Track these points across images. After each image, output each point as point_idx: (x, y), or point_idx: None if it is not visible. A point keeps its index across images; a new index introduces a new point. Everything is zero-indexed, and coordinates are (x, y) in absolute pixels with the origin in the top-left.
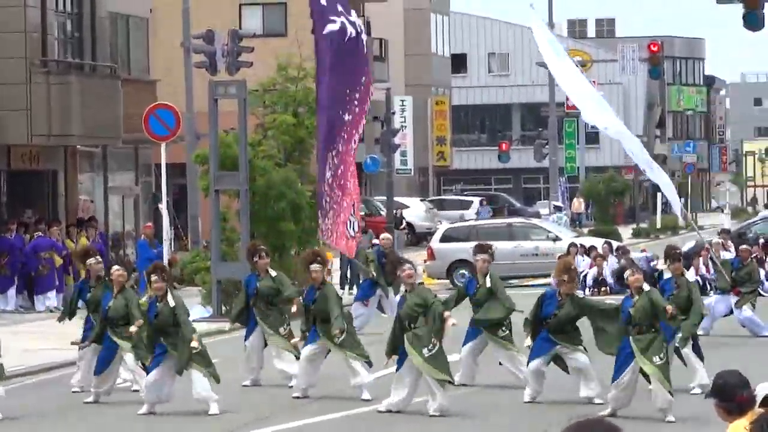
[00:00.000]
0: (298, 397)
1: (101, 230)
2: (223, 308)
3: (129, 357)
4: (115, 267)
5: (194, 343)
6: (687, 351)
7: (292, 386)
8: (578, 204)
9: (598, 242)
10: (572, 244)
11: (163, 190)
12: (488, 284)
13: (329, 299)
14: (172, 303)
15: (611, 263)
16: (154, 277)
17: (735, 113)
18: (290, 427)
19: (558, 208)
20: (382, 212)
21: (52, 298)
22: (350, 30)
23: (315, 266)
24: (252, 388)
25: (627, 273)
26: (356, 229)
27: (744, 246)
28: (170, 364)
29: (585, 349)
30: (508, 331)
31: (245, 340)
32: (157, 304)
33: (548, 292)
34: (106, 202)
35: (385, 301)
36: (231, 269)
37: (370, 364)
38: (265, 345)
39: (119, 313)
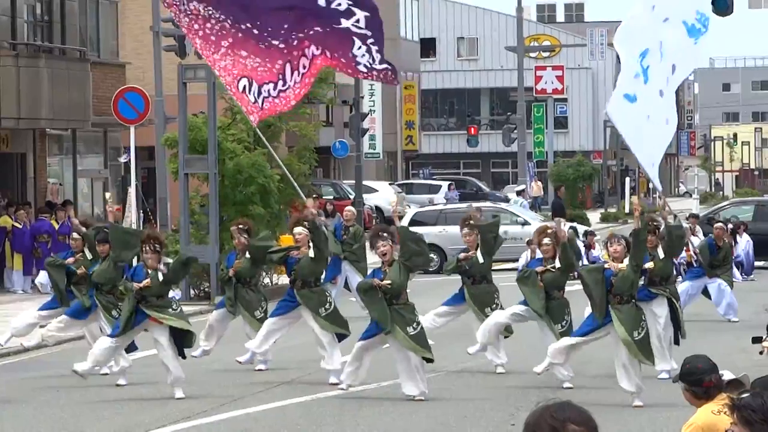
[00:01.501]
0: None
1: (71, 213)
2: (192, 291)
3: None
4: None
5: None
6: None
7: (259, 369)
8: (537, 188)
9: (567, 227)
10: None
11: (132, 173)
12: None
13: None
14: (161, 277)
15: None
16: (145, 247)
17: (703, 98)
18: (258, 410)
19: (519, 193)
20: (351, 196)
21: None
22: None
23: (299, 229)
24: (214, 372)
25: (608, 243)
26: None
27: (718, 224)
28: (132, 336)
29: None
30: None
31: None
32: (148, 270)
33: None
34: (75, 186)
35: (351, 277)
36: (200, 253)
37: (342, 337)
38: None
39: (103, 277)
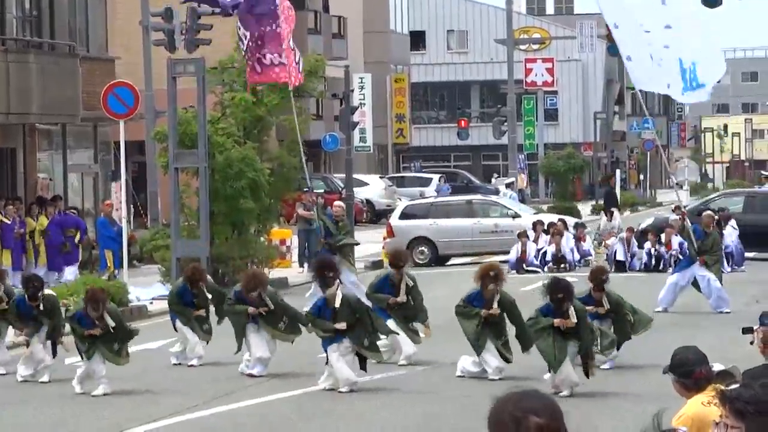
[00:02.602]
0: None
1: (61, 208)
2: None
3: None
4: None
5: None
6: None
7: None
8: (521, 180)
9: (556, 219)
10: (539, 222)
11: (122, 168)
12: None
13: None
14: (111, 324)
15: (568, 239)
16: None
17: None
18: (247, 404)
19: (508, 185)
20: (341, 189)
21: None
22: None
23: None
24: (204, 367)
25: None
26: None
27: (706, 212)
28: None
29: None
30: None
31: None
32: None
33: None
34: (65, 180)
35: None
36: (190, 247)
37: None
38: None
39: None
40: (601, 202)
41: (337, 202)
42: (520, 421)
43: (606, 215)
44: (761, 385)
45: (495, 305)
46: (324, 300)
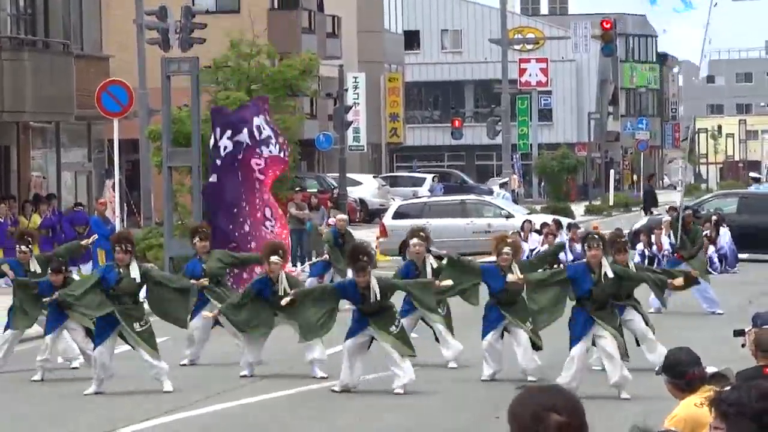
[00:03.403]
0: (245, 376)
1: (54, 207)
2: None
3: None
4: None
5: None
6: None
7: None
8: (513, 181)
9: (550, 219)
10: (527, 221)
11: (116, 166)
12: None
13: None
14: (135, 275)
15: (561, 240)
16: (117, 247)
17: (688, 90)
18: (241, 403)
19: (502, 185)
20: (334, 189)
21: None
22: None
23: (275, 258)
24: (199, 366)
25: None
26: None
27: (687, 211)
28: (114, 340)
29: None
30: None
31: (190, 319)
32: (119, 270)
33: (490, 267)
34: (59, 179)
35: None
36: (183, 246)
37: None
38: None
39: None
40: (596, 202)
41: (339, 216)
42: (541, 418)
43: (646, 214)
44: (746, 388)
45: (516, 273)
46: (354, 282)
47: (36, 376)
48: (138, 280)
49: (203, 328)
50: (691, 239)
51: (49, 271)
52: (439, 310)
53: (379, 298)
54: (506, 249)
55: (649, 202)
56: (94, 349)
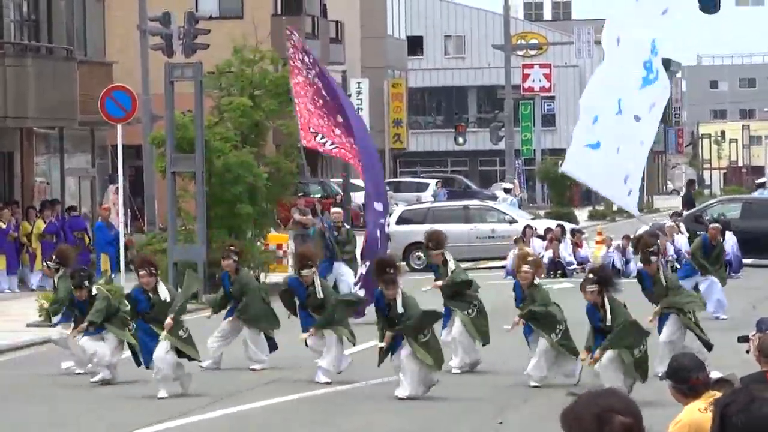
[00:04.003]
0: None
1: (58, 212)
2: (178, 290)
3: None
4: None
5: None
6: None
7: (254, 369)
8: (515, 186)
9: (554, 225)
10: (527, 226)
11: (119, 172)
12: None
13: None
14: (165, 296)
15: (566, 245)
16: (141, 272)
17: (691, 96)
18: (252, 407)
19: (507, 191)
20: (338, 194)
21: None
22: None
23: (306, 271)
24: (206, 371)
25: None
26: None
27: (714, 224)
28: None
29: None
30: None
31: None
32: (149, 295)
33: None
34: (63, 184)
35: (341, 281)
36: (187, 251)
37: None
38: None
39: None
40: (599, 207)
41: (335, 208)
42: (605, 420)
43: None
44: (746, 392)
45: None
46: (381, 293)
47: (96, 378)
48: (168, 300)
49: (229, 333)
50: (715, 255)
51: (72, 288)
52: (468, 311)
53: (402, 310)
54: (525, 267)
55: (686, 206)
56: (146, 366)
